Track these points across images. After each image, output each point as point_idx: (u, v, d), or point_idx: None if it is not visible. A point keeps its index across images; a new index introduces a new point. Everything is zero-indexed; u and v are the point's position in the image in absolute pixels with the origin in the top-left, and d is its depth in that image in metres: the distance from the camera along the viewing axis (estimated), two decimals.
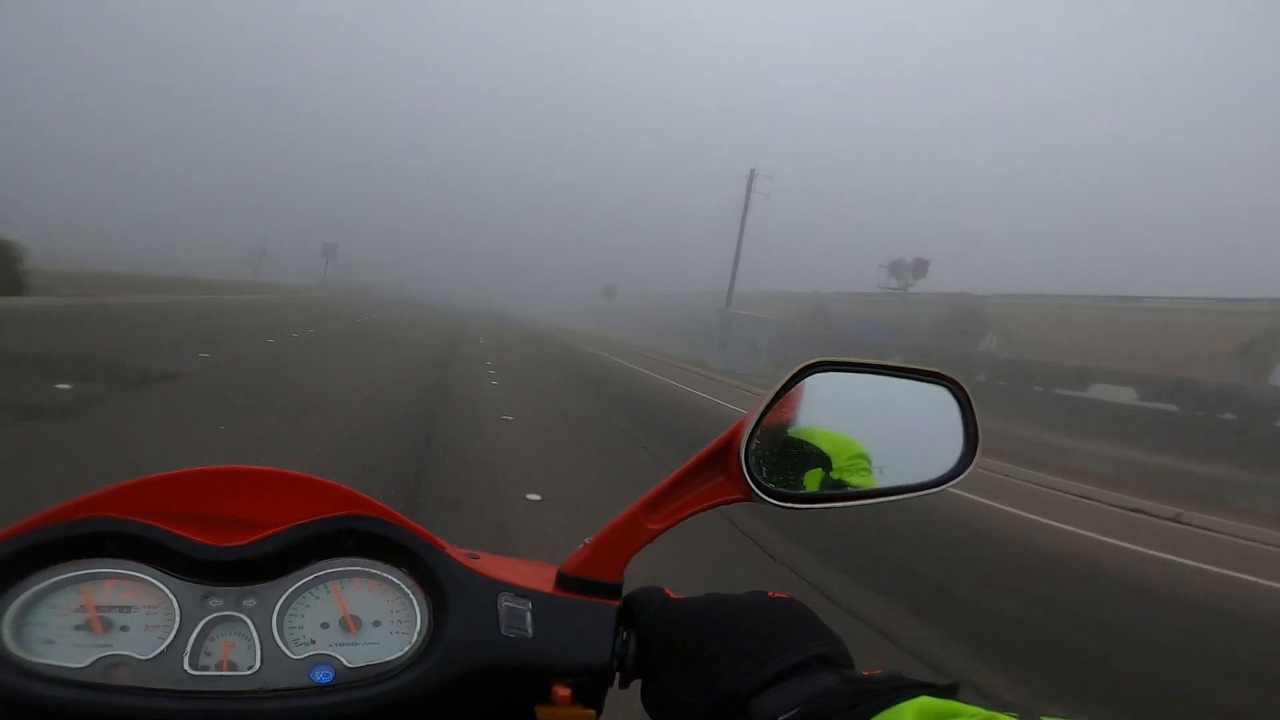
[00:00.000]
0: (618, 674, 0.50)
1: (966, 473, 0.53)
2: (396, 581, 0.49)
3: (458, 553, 0.51)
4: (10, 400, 4.75)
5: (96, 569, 0.46)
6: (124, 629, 0.45)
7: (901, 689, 0.37)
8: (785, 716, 0.40)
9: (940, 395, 0.54)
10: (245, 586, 0.47)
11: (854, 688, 0.39)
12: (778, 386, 0.49)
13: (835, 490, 0.52)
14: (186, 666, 0.44)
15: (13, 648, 0.43)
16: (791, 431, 0.52)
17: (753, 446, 0.49)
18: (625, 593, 0.53)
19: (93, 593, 0.45)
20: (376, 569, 0.49)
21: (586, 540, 0.52)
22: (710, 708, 0.44)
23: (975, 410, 0.53)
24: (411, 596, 0.49)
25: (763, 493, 0.49)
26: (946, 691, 0.37)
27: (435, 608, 0.48)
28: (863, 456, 0.53)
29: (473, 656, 0.46)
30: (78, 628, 0.44)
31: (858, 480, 0.53)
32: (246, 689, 0.44)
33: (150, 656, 0.44)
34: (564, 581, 0.52)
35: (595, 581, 0.51)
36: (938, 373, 0.54)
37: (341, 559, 0.49)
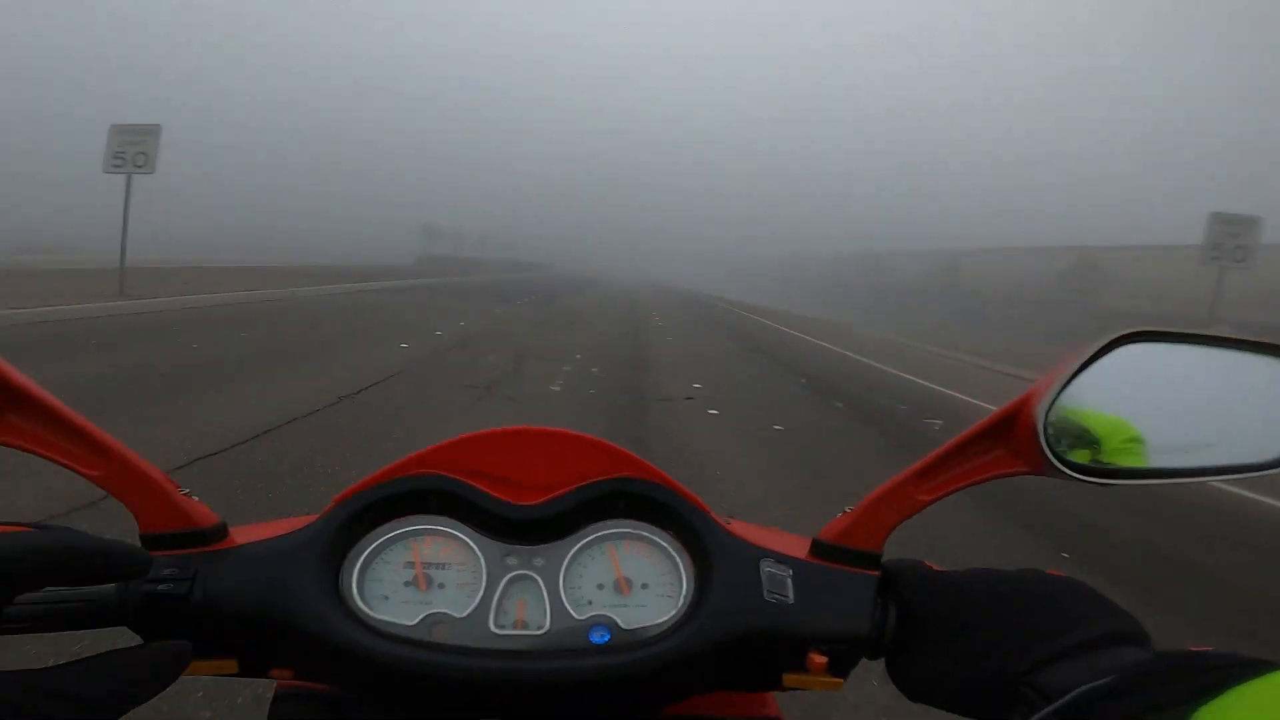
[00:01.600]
0: (874, 645, 0.48)
1: None
2: (664, 544, 0.50)
3: (716, 518, 0.51)
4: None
5: (421, 525, 0.49)
6: (441, 586, 0.48)
7: (1244, 665, 0.31)
8: (1089, 686, 0.35)
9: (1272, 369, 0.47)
10: (536, 546, 0.49)
11: (1177, 662, 0.34)
12: (1085, 356, 0.44)
13: (1151, 466, 0.47)
14: (492, 625, 0.46)
15: (360, 604, 0.46)
16: (1061, 407, 0.47)
17: (1051, 418, 0.45)
18: (883, 562, 0.51)
19: (419, 549, 0.49)
20: (646, 531, 0.50)
21: (847, 508, 0.51)
22: (986, 681, 0.41)
23: None
24: (678, 559, 0.49)
25: (1066, 466, 0.45)
26: None
27: (700, 571, 0.49)
28: (1137, 440, 0.47)
29: (737, 621, 0.47)
30: (406, 584, 0.48)
31: (1128, 462, 0.47)
32: (539, 648, 0.46)
33: (464, 615, 0.47)
34: (820, 549, 0.51)
35: (854, 550, 0.50)
36: (1273, 344, 0.47)
37: (615, 520, 0.50)
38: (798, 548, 0.52)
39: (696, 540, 0.49)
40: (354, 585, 0.47)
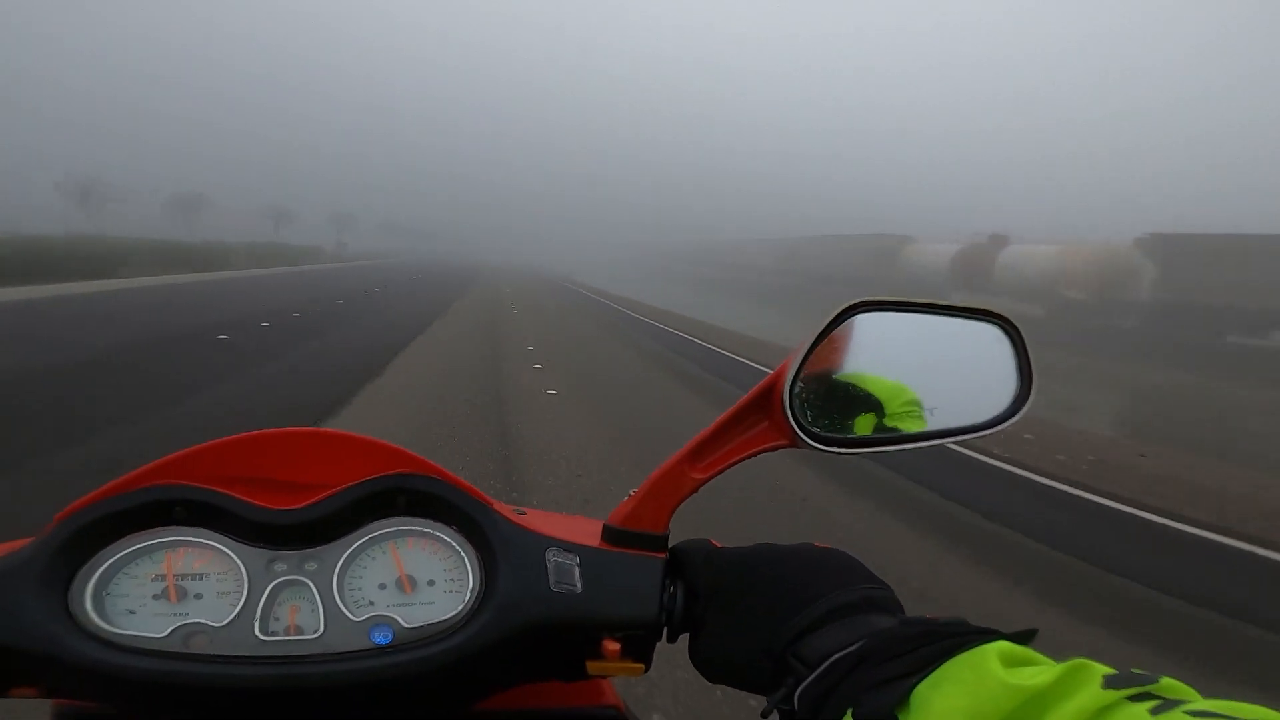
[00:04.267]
0: (665, 628, 0.50)
1: (1021, 413, 0.51)
2: (448, 540, 0.49)
3: (504, 508, 0.51)
4: None
5: (170, 537, 0.46)
6: (198, 597, 0.46)
7: (972, 633, 0.35)
8: (842, 654, 0.37)
9: (991, 333, 0.51)
10: (306, 550, 0.47)
11: (918, 629, 0.37)
12: (820, 328, 0.48)
13: (882, 434, 0.51)
14: (258, 632, 0.45)
15: (95, 619, 0.44)
16: (839, 375, 0.50)
17: (796, 390, 0.47)
18: (671, 545, 0.52)
19: (171, 561, 0.46)
20: (429, 528, 0.49)
21: (631, 492, 0.52)
22: (757, 655, 0.42)
23: (1029, 349, 0.51)
24: (463, 554, 0.49)
25: (808, 437, 0.48)
26: (1022, 638, 0.35)
27: (486, 565, 0.48)
28: (915, 403, 0.50)
29: (524, 613, 0.46)
30: (156, 597, 0.45)
31: (910, 426, 0.51)
32: (313, 653, 0.45)
33: (224, 624, 0.45)
34: (610, 535, 0.51)
35: (641, 534, 0.50)
36: (988, 310, 0.52)
37: (395, 518, 0.49)
38: (589, 535, 0.52)
39: (479, 533, 0.49)
40: (87, 601, 0.44)
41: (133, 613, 0.45)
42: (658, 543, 0.51)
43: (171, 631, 0.44)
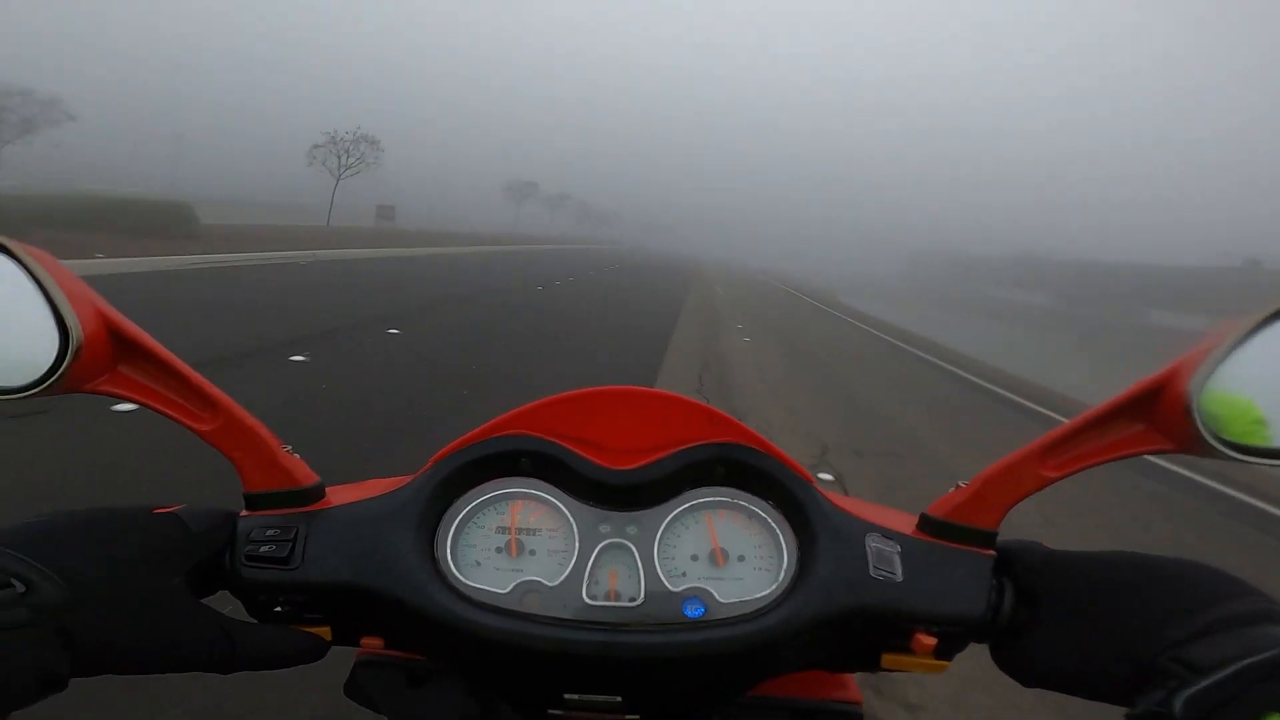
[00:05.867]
0: (988, 628, 0.46)
1: None
2: (764, 515, 0.47)
3: (822, 489, 0.49)
4: None
5: (515, 488, 0.47)
6: (532, 553, 0.46)
7: None
8: (1254, 660, 0.34)
9: None
10: (629, 513, 0.47)
11: None
12: (1247, 328, 0.40)
13: None
14: (585, 595, 0.44)
15: (453, 569, 0.45)
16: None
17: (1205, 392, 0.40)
18: (998, 542, 0.48)
19: (514, 514, 0.47)
20: (745, 500, 0.48)
21: (960, 484, 0.48)
22: (1111, 661, 0.40)
23: None
24: (779, 531, 0.47)
25: (1226, 445, 0.40)
26: None
27: (803, 544, 0.46)
28: (1261, 422, 0.43)
29: (842, 597, 0.44)
30: (498, 550, 0.46)
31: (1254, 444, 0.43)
32: (631, 621, 0.44)
33: (556, 583, 0.45)
34: (930, 525, 0.48)
35: (967, 528, 0.47)
36: None
37: (713, 488, 0.48)
38: (904, 524, 0.49)
39: (800, 512, 0.47)
40: (449, 551, 0.45)
41: (478, 565, 0.46)
42: (985, 539, 0.47)
43: (513, 588, 0.45)
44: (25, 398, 0.38)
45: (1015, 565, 0.46)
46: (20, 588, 0.35)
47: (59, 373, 0.37)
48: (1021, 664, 0.45)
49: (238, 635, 0.42)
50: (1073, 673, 0.42)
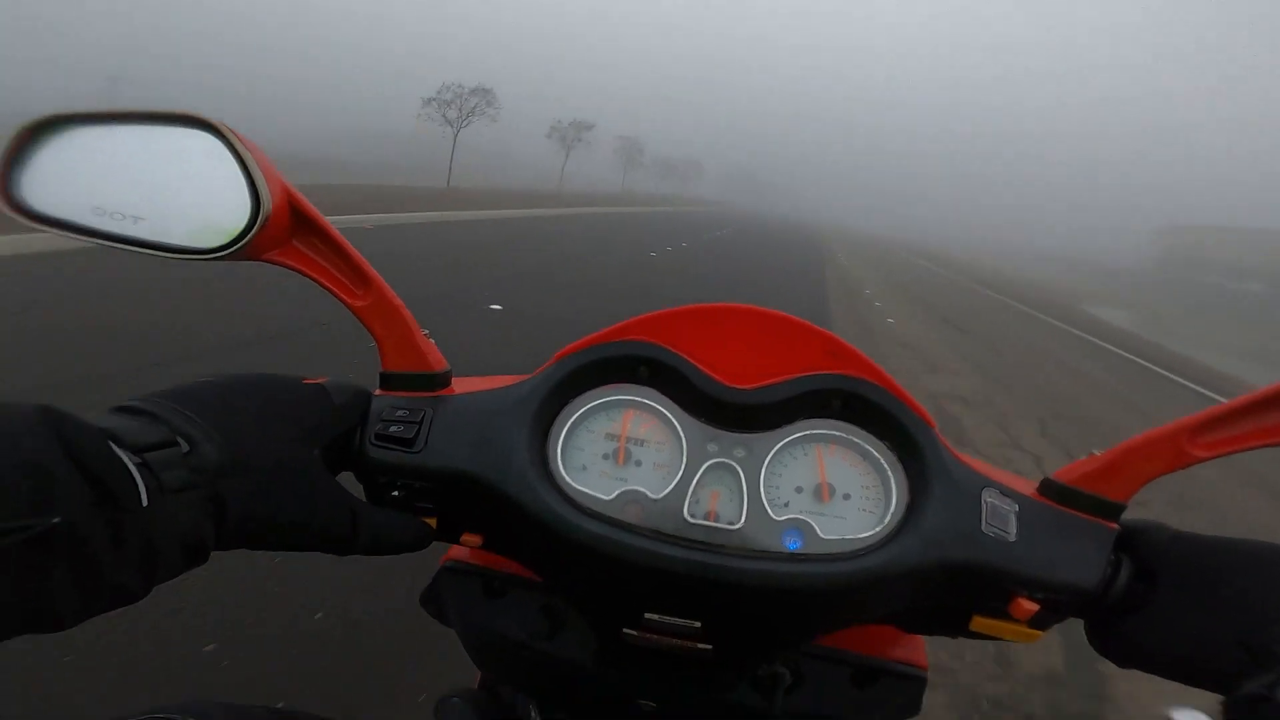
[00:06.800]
0: (1097, 602, 0.44)
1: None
2: (877, 455, 0.46)
3: (943, 438, 0.47)
4: None
5: (629, 395, 0.47)
6: (638, 464, 0.46)
7: None
8: None
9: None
10: (739, 434, 0.46)
11: None
12: None
13: None
14: (686, 512, 0.44)
15: (562, 470, 0.45)
16: None
17: None
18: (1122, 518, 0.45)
19: (626, 421, 0.47)
20: (859, 438, 0.46)
21: (1095, 451, 0.45)
22: (1227, 644, 0.39)
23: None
24: (890, 473, 0.46)
25: None
26: None
27: (915, 489, 0.45)
28: None
29: (947, 549, 0.43)
30: (605, 457, 0.46)
31: None
32: (730, 544, 0.43)
33: (660, 496, 0.44)
34: (1053, 490, 0.46)
35: (1094, 497, 0.44)
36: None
37: (827, 420, 0.47)
38: (1025, 487, 0.47)
39: (916, 455, 0.45)
40: (559, 451, 0.45)
41: (584, 469, 0.45)
42: (1110, 510, 0.45)
43: (616, 496, 0.44)
44: (212, 259, 0.41)
45: (1138, 541, 0.44)
46: (185, 447, 0.34)
47: (246, 239, 0.40)
48: (1122, 643, 0.43)
49: (361, 516, 0.42)
50: (1179, 655, 0.41)
